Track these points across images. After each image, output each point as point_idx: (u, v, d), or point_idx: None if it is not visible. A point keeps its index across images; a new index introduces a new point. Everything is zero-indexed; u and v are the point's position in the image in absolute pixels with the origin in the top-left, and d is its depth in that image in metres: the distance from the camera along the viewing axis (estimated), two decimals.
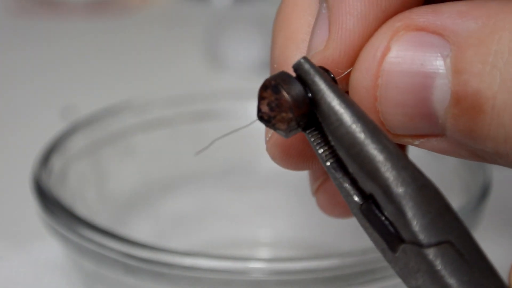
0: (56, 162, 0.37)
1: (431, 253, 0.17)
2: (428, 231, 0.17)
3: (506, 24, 0.17)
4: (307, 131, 0.19)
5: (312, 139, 0.19)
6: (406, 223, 0.17)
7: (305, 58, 0.19)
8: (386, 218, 0.18)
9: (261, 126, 0.20)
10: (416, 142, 0.19)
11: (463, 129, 0.18)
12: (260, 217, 0.43)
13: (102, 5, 0.85)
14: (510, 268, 0.17)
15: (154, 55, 0.74)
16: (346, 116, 0.18)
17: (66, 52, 0.74)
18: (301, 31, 0.22)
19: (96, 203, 0.40)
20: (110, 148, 0.41)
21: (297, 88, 0.19)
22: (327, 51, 0.20)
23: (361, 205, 0.19)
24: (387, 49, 0.18)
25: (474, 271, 0.17)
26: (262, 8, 0.62)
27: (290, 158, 0.22)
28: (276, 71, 0.22)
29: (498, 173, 0.37)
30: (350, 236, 0.36)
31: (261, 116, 0.19)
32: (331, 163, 0.19)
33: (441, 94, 0.18)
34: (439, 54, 0.18)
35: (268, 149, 0.22)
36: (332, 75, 0.20)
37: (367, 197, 0.18)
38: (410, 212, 0.17)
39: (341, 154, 0.19)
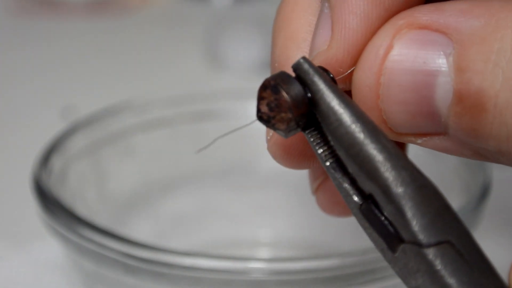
0: (56, 162, 0.37)
1: (430, 253, 0.17)
2: (428, 231, 0.17)
3: (509, 22, 0.17)
4: (307, 131, 0.19)
5: (312, 139, 0.19)
6: (406, 223, 0.17)
7: (304, 58, 0.19)
8: (386, 218, 0.18)
9: (261, 126, 0.20)
10: (419, 141, 0.19)
11: (466, 127, 0.18)
12: (260, 217, 0.43)
13: (102, 5, 0.85)
14: (510, 268, 0.17)
15: (154, 55, 0.74)
16: (345, 116, 0.18)
17: (66, 52, 0.74)
18: (302, 31, 0.22)
19: (96, 203, 0.40)
20: (110, 148, 0.41)
21: (297, 88, 0.19)
22: (330, 50, 0.20)
23: (361, 205, 0.19)
24: (389, 47, 0.18)
25: (473, 271, 0.17)
26: (262, 8, 0.62)
27: (291, 157, 0.22)
28: (277, 71, 0.22)
29: (498, 173, 0.37)
30: (350, 236, 0.36)
31: (260, 116, 0.19)
32: (330, 163, 0.19)
33: (443, 92, 0.18)
34: (441, 52, 0.18)
35: (269, 148, 0.22)
36: (331, 75, 0.20)
37: (366, 197, 0.18)
38: (409, 212, 0.17)
39: (341, 154, 0.19)
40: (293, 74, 0.19)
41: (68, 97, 0.61)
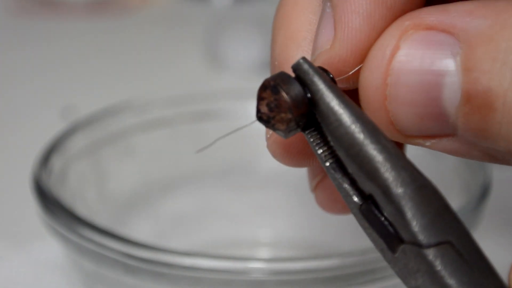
0: (56, 162, 0.37)
1: (430, 253, 0.17)
2: (428, 232, 0.17)
3: None
4: (306, 132, 0.19)
5: (311, 140, 0.19)
6: (406, 224, 0.17)
7: (304, 58, 0.19)
8: (386, 218, 0.18)
9: (261, 126, 0.20)
10: (427, 143, 0.19)
11: (474, 127, 0.18)
12: (260, 217, 0.43)
13: (102, 5, 0.85)
14: (510, 268, 0.17)
15: (154, 55, 0.74)
16: (345, 116, 0.18)
17: (66, 52, 0.74)
18: (302, 29, 0.22)
19: (96, 203, 0.40)
20: (110, 148, 0.41)
21: (296, 89, 0.19)
22: (333, 50, 0.20)
23: (361, 205, 0.19)
24: (396, 48, 0.18)
25: (474, 271, 0.17)
26: (262, 8, 0.62)
27: (291, 155, 0.22)
28: (277, 70, 0.22)
29: (498, 173, 0.37)
30: (350, 236, 0.36)
31: (260, 117, 0.19)
32: (330, 164, 0.19)
33: (451, 92, 0.18)
34: (449, 53, 0.18)
35: (268, 147, 0.22)
36: (331, 75, 0.20)
37: (366, 198, 0.18)
38: (409, 212, 0.17)
39: (341, 154, 0.19)
40: (292, 75, 0.19)
41: (68, 97, 0.61)
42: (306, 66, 0.19)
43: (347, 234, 0.38)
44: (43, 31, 0.79)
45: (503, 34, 0.17)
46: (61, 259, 0.38)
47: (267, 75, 0.20)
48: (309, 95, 0.19)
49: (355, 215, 0.19)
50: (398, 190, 0.17)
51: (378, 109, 0.19)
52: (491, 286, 0.17)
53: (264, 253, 0.42)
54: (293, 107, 0.19)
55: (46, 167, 0.36)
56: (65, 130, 0.39)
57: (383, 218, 0.18)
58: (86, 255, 0.31)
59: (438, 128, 0.18)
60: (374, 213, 0.18)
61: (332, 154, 0.19)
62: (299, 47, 0.22)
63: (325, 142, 0.19)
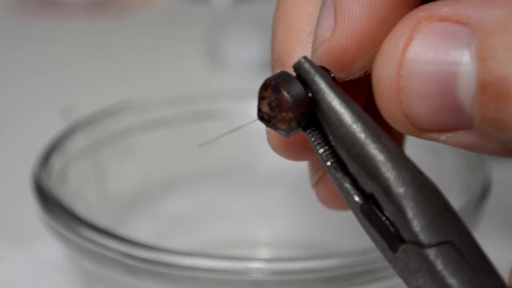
0: (56, 162, 0.37)
1: (431, 253, 0.17)
2: (429, 231, 0.17)
3: None
4: (308, 131, 0.19)
5: (313, 139, 0.19)
6: (407, 223, 0.17)
7: (305, 57, 0.19)
8: (387, 218, 0.18)
9: (261, 126, 0.20)
10: (442, 137, 0.19)
11: (491, 118, 0.17)
12: (260, 217, 0.43)
13: (102, 5, 0.85)
14: (511, 268, 0.17)
15: (154, 55, 0.74)
16: (346, 116, 0.18)
17: (66, 52, 0.74)
18: (302, 21, 0.22)
19: (96, 203, 0.40)
20: (110, 148, 0.41)
21: (298, 88, 0.19)
22: (333, 38, 0.20)
23: (362, 205, 0.19)
24: (410, 39, 0.18)
25: (474, 271, 0.17)
26: (262, 8, 0.62)
27: (291, 149, 0.22)
28: (277, 62, 0.22)
29: (498, 173, 0.37)
30: (350, 236, 0.36)
31: (261, 116, 0.19)
32: (331, 163, 0.19)
33: (466, 82, 0.17)
34: (463, 43, 0.17)
35: (268, 140, 0.22)
36: (332, 75, 0.20)
37: (367, 197, 0.18)
38: (410, 212, 0.17)
39: (342, 154, 0.19)
40: (294, 74, 0.19)
41: (68, 97, 0.61)
42: (307, 66, 0.19)
43: (347, 234, 0.38)
44: (43, 31, 0.79)
45: None
46: (61, 259, 0.38)
47: (267, 75, 0.20)
48: (310, 94, 0.19)
49: (356, 214, 0.19)
50: (399, 189, 0.17)
51: (392, 101, 0.18)
52: (492, 286, 0.17)
53: (264, 253, 0.42)
54: (294, 107, 0.19)
55: (46, 167, 0.36)
56: (65, 130, 0.39)
57: (384, 218, 0.18)
58: (86, 255, 0.31)
59: (454, 120, 0.18)
60: (375, 212, 0.18)
61: (333, 153, 0.19)
62: (299, 40, 0.22)
63: (326, 141, 0.19)
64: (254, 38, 0.65)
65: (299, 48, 0.21)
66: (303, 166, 0.26)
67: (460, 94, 0.18)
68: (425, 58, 0.18)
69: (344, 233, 0.38)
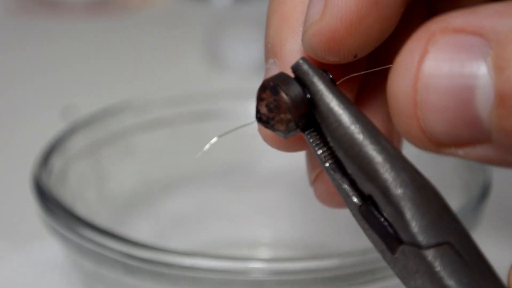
0: (56, 162, 0.37)
1: (430, 254, 0.17)
2: (427, 233, 0.17)
3: None
4: (306, 132, 0.19)
5: (311, 140, 0.19)
6: (405, 225, 0.17)
7: (303, 58, 0.19)
8: (385, 219, 0.18)
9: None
10: (461, 153, 0.18)
11: (511, 130, 0.17)
12: (260, 217, 0.43)
13: (102, 5, 0.85)
14: (510, 269, 0.17)
15: (154, 55, 0.74)
16: (344, 117, 0.18)
17: (66, 52, 0.74)
18: (296, 11, 0.22)
19: (96, 203, 0.40)
20: (110, 148, 0.41)
21: (296, 89, 0.19)
22: (323, 20, 0.20)
23: (360, 206, 0.19)
24: (425, 52, 0.18)
25: (473, 272, 0.17)
26: (262, 8, 0.62)
27: (281, 140, 0.22)
28: (270, 52, 0.22)
29: (498, 173, 0.37)
30: (350, 236, 0.35)
31: (259, 118, 0.19)
32: (330, 164, 0.19)
33: (484, 94, 0.17)
34: (479, 54, 0.17)
35: (260, 130, 0.22)
36: (330, 76, 0.20)
37: (366, 198, 0.18)
38: (409, 213, 0.17)
39: (340, 155, 0.19)
40: (292, 75, 0.19)
41: (68, 97, 0.61)
42: (305, 67, 0.19)
43: (347, 234, 0.38)
44: (43, 31, 0.79)
45: None
46: (61, 259, 0.38)
47: None
48: (308, 95, 0.19)
49: (354, 215, 0.19)
50: (397, 191, 0.17)
51: (409, 116, 0.18)
52: (491, 287, 0.17)
53: (264, 253, 0.42)
54: (293, 108, 0.19)
55: (46, 167, 0.36)
56: (65, 130, 0.39)
57: (382, 219, 0.18)
58: (86, 255, 0.31)
59: (472, 134, 0.18)
60: (374, 213, 0.18)
61: (332, 154, 0.19)
62: (292, 30, 0.21)
63: (324, 142, 0.19)
64: (254, 38, 0.65)
65: (292, 38, 0.21)
66: (303, 166, 0.26)
67: (478, 106, 0.17)
68: (441, 72, 0.17)
69: (344, 233, 0.38)
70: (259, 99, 0.19)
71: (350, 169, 0.18)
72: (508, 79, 0.17)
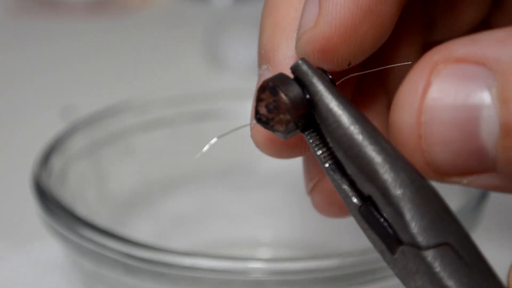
0: (56, 162, 0.37)
1: (429, 255, 0.17)
2: (427, 233, 0.17)
3: None
4: (306, 133, 0.19)
5: (311, 141, 0.19)
6: (405, 225, 0.17)
7: (303, 59, 0.19)
8: (385, 219, 0.18)
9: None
10: (465, 181, 0.18)
11: None
12: (260, 217, 0.43)
13: (102, 5, 0.85)
14: (509, 269, 0.17)
15: (154, 55, 0.74)
16: (344, 118, 0.18)
17: (66, 52, 0.74)
18: (289, 17, 0.22)
19: (96, 203, 0.40)
20: (110, 148, 0.41)
21: (295, 90, 0.19)
22: (317, 27, 0.20)
23: (360, 206, 0.19)
24: (428, 84, 0.17)
25: (473, 273, 0.17)
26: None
27: (273, 145, 0.22)
28: (263, 58, 0.22)
29: None
30: (350, 236, 0.35)
31: (259, 118, 0.19)
32: (329, 165, 0.19)
33: (489, 126, 0.17)
34: (483, 85, 0.17)
35: (252, 136, 0.22)
36: (330, 76, 0.20)
37: (365, 199, 0.18)
38: (408, 214, 0.17)
39: (340, 155, 0.18)
40: (291, 76, 0.19)
41: (68, 97, 0.61)
42: (305, 67, 0.19)
43: (347, 234, 0.38)
44: (43, 31, 0.79)
45: None
46: (61, 259, 0.38)
47: None
48: (308, 96, 0.19)
49: (354, 216, 0.19)
50: (397, 191, 0.17)
51: (413, 150, 0.18)
52: (490, 287, 0.17)
53: (264, 253, 0.42)
54: (292, 109, 0.18)
55: (46, 167, 0.36)
56: (65, 130, 0.39)
57: (382, 219, 0.18)
58: (86, 255, 0.31)
59: (477, 164, 0.18)
60: (373, 214, 0.18)
61: (331, 155, 0.19)
62: (285, 35, 0.21)
63: (324, 143, 0.19)
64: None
65: (285, 44, 0.21)
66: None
67: (483, 138, 0.17)
68: (445, 104, 0.17)
69: (344, 233, 0.38)
70: (259, 99, 0.19)
71: (350, 169, 0.18)
72: None
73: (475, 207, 0.32)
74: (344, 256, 0.29)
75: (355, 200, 0.19)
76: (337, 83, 0.20)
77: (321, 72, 0.19)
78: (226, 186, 0.44)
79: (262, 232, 0.42)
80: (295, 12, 0.21)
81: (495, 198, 0.35)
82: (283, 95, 0.19)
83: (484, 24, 0.26)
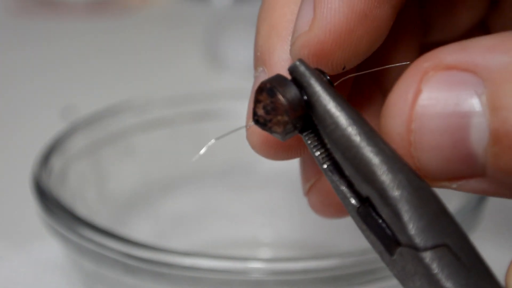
0: (56, 162, 0.37)
1: (427, 256, 0.17)
2: (424, 235, 0.17)
3: None
4: (304, 134, 0.19)
5: (309, 142, 0.19)
6: (402, 227, 0.17)
7: (300, 60, 0.19)
8: (383, 221, 0.18)
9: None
10: (454, 185, 0.18)
11: (505, 168, 0.17)
12: (260, 217, 0.43)
13: (102, 5, 0.85)
14: (507, 270, 0.17)
15: (154, 55, 0.74)
16: (341, 119, 0.18)
17: (66, 52, 0.74)
18: (285, 20, 0.21)
19: (96, 203, 0.40)
20: (110, 148, 0.41)
21: (293, 91, 0.19)
22: (312, 32, 0.20)
23: (358, 207, 0.19)
24: (418, 92, 0.17)
25: (471, 274, 0.17)
26: None
27: (269, 147, 0.22)
28: (259, 60, 0.22)
29: None
30: (350, 236, 0.35)
31: (257, 120, 0.19)
32: (328, 166, 0.19)
33: (479, 133, 0.17)
34: (473, 92, 0.17)
35: (248, 137, 0.22)
36: (328, 77, 0.20)
37: (364, 200, 0.18)
38: (406, 215, 0.17)
39: (337, 157, 0.18)
40: (289, 77, 0.19)
41: (68, 97, 0.61)
42: (302, 68, 0.19)
43: (347, 234, 0.38)
44: (43, 31, 0.79)
45: None
46: (61, 259, 0.38)
47: None
48: (305, 97, 0.19)
49: (353, 217, 0.19)
50: (394, 193, 0.17)
51: (403, 156, 0.18)
52: None
53: (264, 253, 0.42)
54: (290, 110, 0.18)
55: (46, 167, 0.36)
56: (65, 130, 0.39)
57: (380, 221, 0.18)
58: (86, 255, 0.31)
59: (466, 170, 0.18)
60: (372, 215, 0.18)
61: (330, 156, 0.19)
62: (280, 38, 0.21)
63: (322, 144, 0.19)
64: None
65: (280, 47, 0.21)
66: None
67: (473, 145, 0.17)
68: (435, 111, 0.17)
69: (344, 233, 0.38)
70: (256, 101, 0.19)
71: (348, 171, 0.18)
72: (503, 119, 0.17)
73: (475, 208, 0.32)
74: (344, 256, 0.29)
75: (353, 201, 0.19)
76: (335, 84, 0.20)
77: (319, 73, 0.19)
78: (226, 186, 0.44)
79: (262, 232, 0.42)
80: (291, 14, 0.21)
81: (495, 199, 0.35)
82: (280, 97, 0.18)
83: (482, 25, 0.26)
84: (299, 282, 0.29)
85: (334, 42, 0.19)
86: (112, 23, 0.82)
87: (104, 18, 0.83)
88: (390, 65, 0.24)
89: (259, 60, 0.22)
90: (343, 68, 0.20)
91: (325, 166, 0.19)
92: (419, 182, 0.18)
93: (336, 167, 0.19)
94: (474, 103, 0.17)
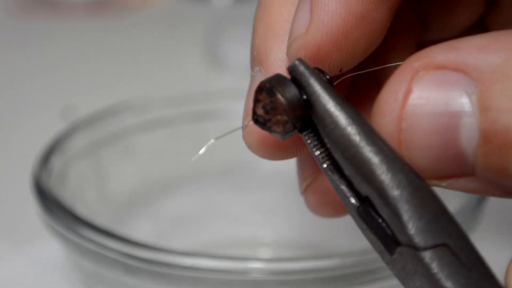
0: (56, 162, 0.37)
1: (427, 256, 0.17)
2: (424, 234, 0.17)
3: None
4: (304, 133, 0.19)
5: (309, 141, 0.19)
6: (402, 226, 0.17)
7: (300, 60, 0.19)
8: (383, 220, 0.18)
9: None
10: (444, 184, 0.18)
11: (495, 167, 0.17)
12: (260, 217, 0.43)
13: (102, 5, 0.85)
14: (507, 270, 0.17)
15: (154, 55, 0.74)
16: (341, 118, 0.18)
17: (66, 52, 0.74)
18: (281, 20, 0.21)
19: (96, 203, 0.40)
20: (110, 148, 0.41)
21: (292, 91, 0.19)
22: (309, 34, 0.20)
23: (358, 207, 0.19)
24: (408, 91, 0.18)
25: (471, 274, 0.17)
26: None
27: (266, 147, 0.22)
28: (256, 60, 0.22)
29: None
30: (350, 236, 0.35)
31: (256, 119, 0.19)
32: (327, 165, 0.19)
33: (468, 133, 0.17)
34: (463, 92, 0.17)
35: (244, 137, 0.22)
36: (327, 77, 0.20)
37: (363, 199, 0.18)
38: (405, 215, 0.17)
39: (337, 156, 0.18)
40: (288, 76, 0.19)
41: (68, 97, 0.61)
42: (302, 68, 0.19)
43: (347, 234, 0.38)
44: (43, 31, 0.79)
45: None
46: (61, 259, 0.38)
47: None
48: (305, 97, 0.19)
49: (353, 216, 0.19)
50: (394, 192, 0.17)
51: None
52: None
53: (264, 253, 0.42)
54: (289, 109, 0.18)
55: (46, 167, 0.36)
56: (65, 130, 0.39)
57: (380, 220, 0.18)
58: (86, 255, 0.31)
59: (456, 169, 0.18)
60: (372, 215, 0.18)
61: (329, 155, 0.19)
62: (277, 38, 0.21)
63: (322, 143, 0.19)
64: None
65: (277, 47, 0.21)
66: None
67: (463, 144, 0.17)
68: (425, 111, 0.17)
69: (343, 233, 0.38)
70: (256, 100, 0.19)
71: (347, 170, 0.18)
72: (493, 119, 0.17)
73: (475, 208, 0.32)
74: (344, 256, 0.29)
75: (353, 200, 0.19)
76: (334, 84, 0.20)
77: (318, 73, 0.19)
78: (226, 186, 0.44)
79: (262, 232, 0.42)
80: (288, 14, 0.21)
81: (495, 198, 0.35)
82: (280, 96, 0.18)
83: (480, 24, 0.26)
84: (299, 282, 0.29)
85: (331, 44, 0.19)
86: (112, 23, 0.82)
87: (104, 18, 0.83)
88: (388, 65, 0.24)
89: (255, 60, 0.22)
90: (340, 70, 0.20)
91: (324, 165, 0.19)
92: (419, 182, 0.18)
93: (335, 167, 0.19)
94: (464, 103, 0.17)
